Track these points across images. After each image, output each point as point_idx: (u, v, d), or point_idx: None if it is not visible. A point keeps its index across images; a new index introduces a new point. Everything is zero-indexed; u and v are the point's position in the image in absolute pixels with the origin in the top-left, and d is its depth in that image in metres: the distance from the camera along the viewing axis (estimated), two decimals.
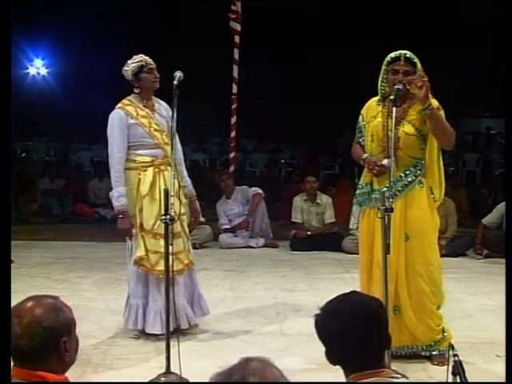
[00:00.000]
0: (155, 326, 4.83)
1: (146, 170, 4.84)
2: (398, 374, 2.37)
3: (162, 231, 4.32)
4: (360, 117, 4.59)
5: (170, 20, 17.37)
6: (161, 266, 4.65)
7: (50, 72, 19.94)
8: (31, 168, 14.26)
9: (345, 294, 2.44)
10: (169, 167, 4.81)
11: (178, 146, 5.04)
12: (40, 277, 7.06)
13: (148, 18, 17.16)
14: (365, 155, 4.47)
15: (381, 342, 2.32)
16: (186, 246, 5.03)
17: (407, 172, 4.37)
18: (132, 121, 4.88)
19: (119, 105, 4.96)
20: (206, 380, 4.36)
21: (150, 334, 4.86)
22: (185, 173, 5.20)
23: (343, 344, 2.29)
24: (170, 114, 4.83)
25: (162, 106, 5.06)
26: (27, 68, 19.81)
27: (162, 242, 4.49)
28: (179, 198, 4.88)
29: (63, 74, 18.85)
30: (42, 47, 18.88)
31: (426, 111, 4.20)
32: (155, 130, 4.92)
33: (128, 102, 4.96)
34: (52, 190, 11.91)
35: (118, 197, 4.81)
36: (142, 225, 4.83)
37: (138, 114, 4.91)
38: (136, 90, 4.98)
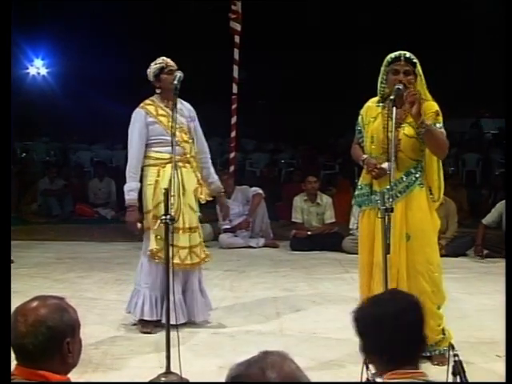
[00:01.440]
0: (176, 317, 4.86)
1: (164, 167, 5.01)
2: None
3: (180, 225, 4.86)
4: (359, 117, 4.58)
5: (170, 20, 17.37)
6: (176, 260, 4.86)
7: (50, 72, 19.93)
8: (31, 168, 14.25)
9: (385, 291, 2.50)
10: (187, 164, 5.07)
11: (204, 144, 5.40)
12: (40, 277, 7.06)
13: (148, 18, 17.16)
14: (364, 156, 4.46)
15: (421, 338, 2.35)
16: (202, 240, 5.29)
17: (408, 173, 4.37)
18: (151, 119, 5.08)
19: (141, 104, 5.18)
20: (206, 380, 4.36)
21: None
22: (211, 170, 5.46)
23: (390, 332, 2.30)
24: (192, 114, 5.25)
25: (184, 106, 5.24)
26: (27, 68, 19.80)
27: (179, 236, 4.89)
28: (195, 195, 5.09)
29: (63, 74, 18.84)
30: (42, 47, 18.87)
31: (419, 130, 4.21)
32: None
33: (149, 102, 5.17)
34: (52, 190, 11.90)
35: (129, 191, 5.00)
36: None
37: (157, 113, 5.10)
38: (157, 91, 5.17)
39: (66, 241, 9.45)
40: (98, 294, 6.32)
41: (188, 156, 5.09)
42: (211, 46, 15.86)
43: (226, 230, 9.19)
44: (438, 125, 4.32)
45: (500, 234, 8.09)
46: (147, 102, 5.17)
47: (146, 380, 4.06)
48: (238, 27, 9.81)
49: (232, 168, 10.20)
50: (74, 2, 16.27)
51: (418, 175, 4.38)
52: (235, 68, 10.00)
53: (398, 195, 4.32)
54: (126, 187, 5.03)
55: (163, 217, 4.17)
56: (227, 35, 9.90)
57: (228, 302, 6.05)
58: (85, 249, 8.81)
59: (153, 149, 5.07)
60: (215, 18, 11.80)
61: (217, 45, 12.64)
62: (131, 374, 4.24)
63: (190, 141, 5.16)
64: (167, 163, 4.98)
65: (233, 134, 10.24)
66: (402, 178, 4.36)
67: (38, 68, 20.08)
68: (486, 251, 8.22)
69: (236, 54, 9.94)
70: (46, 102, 18.51)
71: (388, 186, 4.07)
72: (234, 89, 10.02)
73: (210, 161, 5.45)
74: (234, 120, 10.10)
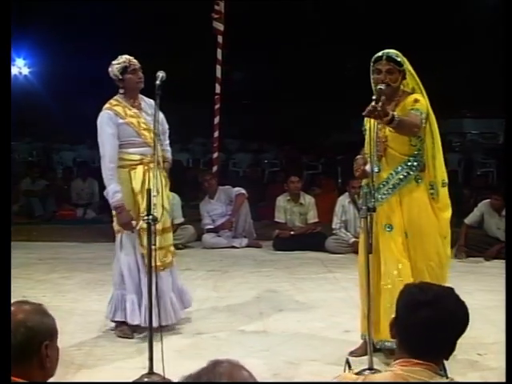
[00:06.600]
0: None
1: (135, 168, 4.93)
2: (444, 374, 2.28)
3: (159, 227, 4.69)
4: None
5: (154, 20, 17.33)
6: (158, 261, 4.72)
7: (32, 72, 19.84)
8: (13, 168, 14.14)
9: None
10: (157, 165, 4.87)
11: (165, 126, 5.27)
12: (22, 278, 7.00)
13: (131, 18, 17.11)
14: (358, 156, 4.46)
15: (446, 343, 2.24)
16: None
17: (399, 169, 4.36)
18: (121, 120, 4.94)
19: (107, 105, 4.99)
20: None
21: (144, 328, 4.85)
22: (166, 141, 5.29)
23: (411, 319, 2.23)
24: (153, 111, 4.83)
25: (147, 103, 5.09)
26: None
27: (160, 237, 4.77)
28: (163, 194, 4.73)
29: (45, 74, 18.77)
30: (23, 47, 18.77)
31: (392, 124, 4.15)
32: (144, 129, 4.99)
33: (116, 103, 5.00)
34: (34, 191, 11.84)
35: (114, 193, 4.85)
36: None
37: (126, 114, 4.97)
38: (121, 91, 5.02)
39: (49, 241, 9.40)
40: (81, 295, 6.30)
41: (158, 156, 4.82)
42: (195, 46, 15.85)
43: (209, 230, 9.19)
44: (412, 111, 4.27)
45: (481, 234, 8.17)
46: (113, 102, 5.00)
47: (129, 381, 4.05)
48: (221, 27, 9.81)
49: (215, 168, 10.20)
50: (57, 1, 16.20)
51: (413, 169, 4.35)
52: (218, 68, 10.00)
53: (390, 192, 4.34)
54: (111, 189, 4.85)
55: (146, 217, 4.15)
56: (210, 35, 9.91)
57: (211, 303, 6.05)
58: (67, 249, 8.76)
59: (123, 150, 4.93)
60: (199, 18, 11.78)
61: (200, 44, 12.63)
62: (114, 375, 4.23)
63: (158, 140, 4.85)
64: (138, 164, 4.93)
65: (216, 133, 10.23)
66: (391, 174, 4.36)
67: (19, 68, 19.98)
68: (465, 249, 8.26)
69: (219, 53, 9.94)
70: (28, 101, 18.40)
71: (370, 186, 4.13)
72: (217, 89, 10.02)
73: (167, 132, 5.31)
74: (216, 120, 10.10)
